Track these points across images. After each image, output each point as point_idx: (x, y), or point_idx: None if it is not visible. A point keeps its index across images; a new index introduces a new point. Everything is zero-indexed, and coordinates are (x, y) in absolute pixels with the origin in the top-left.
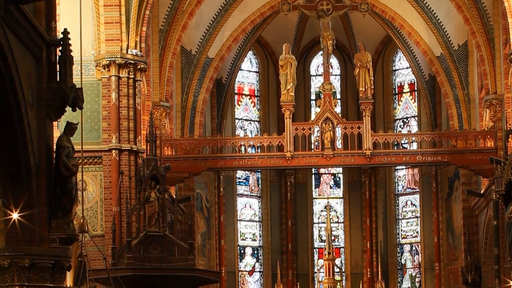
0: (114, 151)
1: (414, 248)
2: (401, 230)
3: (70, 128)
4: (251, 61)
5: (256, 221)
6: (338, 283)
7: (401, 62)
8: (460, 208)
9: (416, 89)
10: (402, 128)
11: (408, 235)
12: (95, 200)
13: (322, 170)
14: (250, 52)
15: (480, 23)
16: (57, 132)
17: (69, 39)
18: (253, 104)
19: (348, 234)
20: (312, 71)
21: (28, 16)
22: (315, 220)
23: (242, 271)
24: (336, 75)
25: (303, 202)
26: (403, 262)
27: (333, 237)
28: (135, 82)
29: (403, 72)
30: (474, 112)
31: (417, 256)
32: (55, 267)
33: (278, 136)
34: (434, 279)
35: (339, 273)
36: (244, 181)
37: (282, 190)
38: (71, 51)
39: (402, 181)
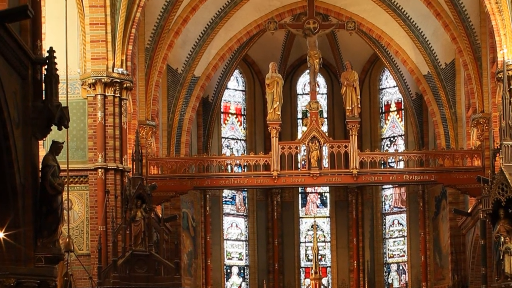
0: (100, 170)
1: (401, 267)
2: (388, 249)
3: (55, 147)
4: (237, 80)
5: (242, 240)
6: None
7: (388, 81)
8: (447, 227)
9: (403, 108)
10: (389, 147)
11: (395, 255)
12: (81, 219)
13: (308, 189)
14: (237, 71)
15: (467, 41)
16: (42, 151)
17: (55, 57)
18: (239, 123)
19: (335, 253)
20: (299, 89)
21: (13, 35)
22: (302, 239)
23: None
24: (322, 93)
25: (289, 221)
26: (390, 281)
27: (319, 256)
28: (121, 100)
29: (390, 90)
30: (461, 131)
31: (404, 275)
32: (41, 287)
33: (265, 155)
34: None
35: None
36: (231, 200)
37: (269, 209)
38: (57, 69)
39: (389, 200)
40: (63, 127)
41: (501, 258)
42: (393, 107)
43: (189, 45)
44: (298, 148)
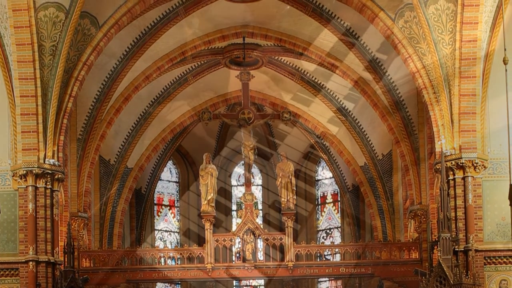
0: (31, 263)
1: None
2: None
3: None
4: (171, 171)
5: None
6: None
7: (324, 172)
8: None
9: (339, 199)
10: (325, 239)
11: None
12: None
13: (243, 282)
14: (170, 162)
15: (404, 132)
16: None
17: None
18: (173, 214)
19: None
20: (233, 181)
21: None
22: None
23: None
24: (258, 185)
25: None
26: None
27: None
28: (53, 192)
29: (326, 182)
30: (399, 223)
31: None
32: None
33: (199, 247)
34: None
35: None
36: None
37: None
38: None
39: None
40: None
41: None
42: (329, 199)
43: (122, 135)
44: (233, 240)
